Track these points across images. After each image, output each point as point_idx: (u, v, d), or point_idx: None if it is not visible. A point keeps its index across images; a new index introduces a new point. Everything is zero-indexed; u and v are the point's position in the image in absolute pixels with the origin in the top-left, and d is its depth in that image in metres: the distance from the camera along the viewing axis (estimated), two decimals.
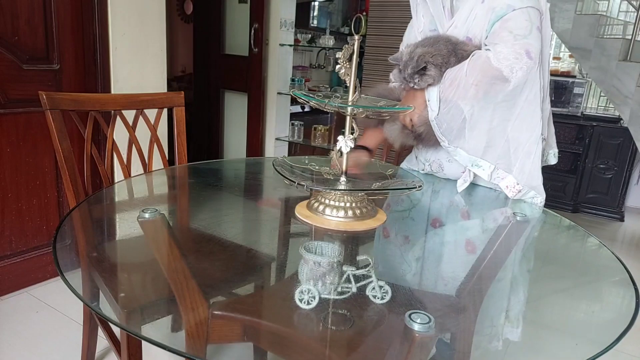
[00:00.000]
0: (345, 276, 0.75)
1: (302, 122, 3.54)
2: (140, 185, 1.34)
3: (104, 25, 2.09)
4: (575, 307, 0.90)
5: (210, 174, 1.56)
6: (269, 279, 0.89)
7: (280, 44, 3.37)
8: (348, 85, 1.00)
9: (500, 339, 0.76)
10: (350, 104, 0.99)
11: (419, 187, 1.06)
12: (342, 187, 1.03)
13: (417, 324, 0.64)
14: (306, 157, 1.27)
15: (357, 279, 0.75)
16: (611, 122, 3.69)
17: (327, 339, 0.69)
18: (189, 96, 3.05)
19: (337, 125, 3.79)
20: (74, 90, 2.03)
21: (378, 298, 0.74)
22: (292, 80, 3.55)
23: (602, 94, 3.98)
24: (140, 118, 1.49)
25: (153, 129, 1.52)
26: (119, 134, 1.44)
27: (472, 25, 1.22)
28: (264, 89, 3.44)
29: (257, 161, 1.98)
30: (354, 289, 0.75)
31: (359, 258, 0.86)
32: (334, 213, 1.02)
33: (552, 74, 3.95)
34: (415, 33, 1.37)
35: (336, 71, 1.00)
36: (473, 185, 1.35)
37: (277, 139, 3.56)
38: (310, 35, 4.13)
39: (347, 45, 0.97)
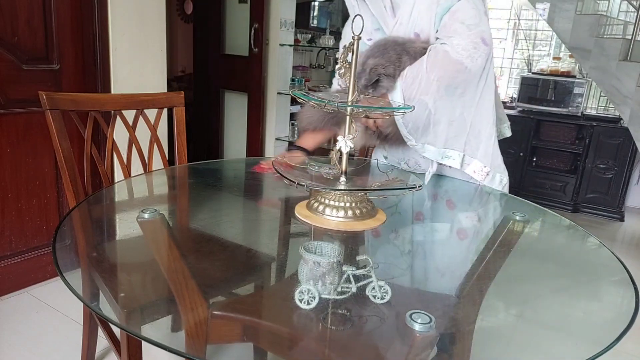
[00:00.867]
0: (345, 276, 0.75)
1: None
2: (140, 185, 1.34)
3: (104, 25, 2.09)
4: (575, 306, 0.90)
5: (210, 174, 1.56)
6: (268, 279, 0.89)
7: (280, 44, 3.37)
8: (348, 85, 1.00)
9: (501, 338, 0.76)
10: (350, 104, 0.99)
11: (418, 187, 1.06)
12: (342, 187, 1.03)
13: (418, 324, 0.64)
14: (306, 157, 1.27)
15: (357, 279, 0.75)
16: (611, 122, 3.69)
17: (327, 339, 0.69)
18: (189, 96, 3.05)
19: None
20: (74, 91, 2.03)
21: (378, 298, 0.74)
22: (292, 80, 3.55)
23: (602, 94, 3.98)
24: (140, 118, 1.49)
25: (153, 129, 1.52)
26: (119, 134, 1.44)
27: (418, 21, 1.22)
28: (264, 89, 3.44)
29: (257, 161, 1.98)
30: (354, 289, 0.75)
31: (358, 258, 0.86)
32: (333, 213, 1.02)
33: (552, 74, 3.95)
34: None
35: (336, 71, 1.00)
36: (452, 179, 1.38)
37: (277, 139, 3.56)
38: (310, 35, 4.12)
39: (346, 45, 0.97)
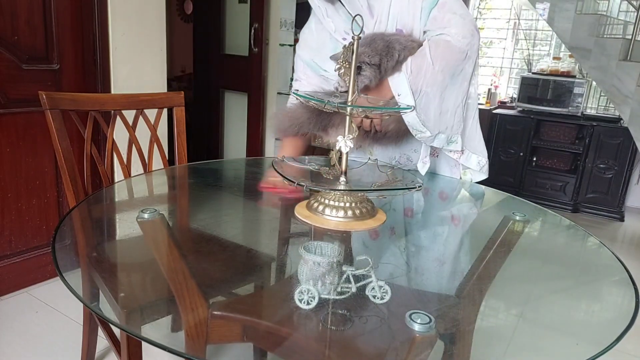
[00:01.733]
0: (345, 276, 0.75)
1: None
2: (140, 185, 1.34)
3: (104, 25, 2.09)
4: (575, 306, 0.90)
5: (210, 174, 1.56)
6: (268, 279, 0.89)
7: (280, 44, 3.37)
8: (347, 85, 1.00)
9: (501, 338, 0.76)
10: (350, 104, 0.99)
11: (418, 187, 1.06)
12: (341, 187, 1.03)
13: (418, 324, 0.64)
14: (306, 157, 1.26)
15: (357, 279, 0.75)
16: (611, 122, 3.69)
17: (327, 339, 0.69)
18: (189, 96, 3.05)
19: None
20: (74, 90, 2.03)
21: (378, 298, 0.74)
22: (292, 80, 3.55)
23: (602, 94, 3.98)
24: (140, 118, 1.49)
25: (153, 129, 1.52)
26: (119, 134, 1.44)
27: (399, 17, 1.23)
28: (264, 89, 3.44)
29: (257, 161, 1.98)
30: (354, 289, 0.74)
31: (358, 258, 0.85)
32: (333, 213, 1.02)
33: (552, 74, 3.95)
34: (322, 36, 1.33)
35: (335, 71, 1.00)
36: (442, 177, 1.39)
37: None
38: None
39: (346, 45, 0.97)
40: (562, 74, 3.93)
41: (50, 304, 1.96)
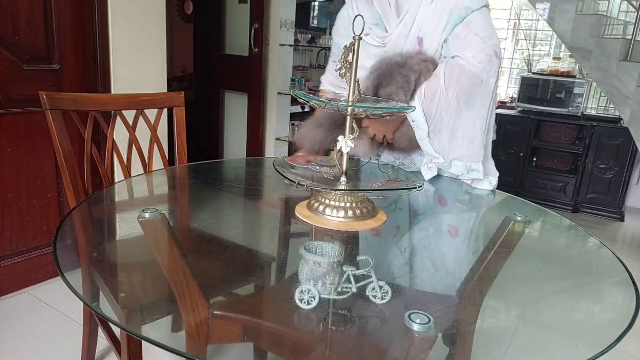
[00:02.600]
0: (345, 276, 0.75)
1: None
2: (140, 185, 1.34)
3: (104, 25, 2.09)
4: (575, 307, 0.90)
5: (211, 174, 1.56)
6: (269, 279, 0.89)
7: (280, 44, 3.37)
8: (348, 85, 1.00)
9: (501, 339, 0.76)
10: (350, 104, 0.99)
11: (419, 187, 1.06)
12: (342, 187, 1.03)
13: (417, 324, 0.64)
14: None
15: (357, 279, 0.75)
16: (611, 122, 3.69)
17: (327, 339, 0.69)
18: (189, 96, 3.05)
19: None
20: (74, 90, 2.03)
21: (378, 298, 0.74)
22: (292, 80, 3.55)
23: (602, 94, 3.98)
24: (140, 118, 1.49)
25: (153, 129, 1.52)
26: (119, 134, 1.44)
27: (424, 25, 1.21)
28: (264, 89, 3.44)
29: (257, 161, 1.98)
30: (354, 289, 0.75)
31: (359, 258, 0.86)
32: (334, 213, 1.02)
33: (552, 74, 3.95)
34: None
35: (336, 71, 1.00)
36: (443, 177, 1.39)
37: (277, 139, 3.56)
38: (310, 35, 4.12)
39: (347, 45, 0.97)
40: (562, 74, 3.93)
41: (50, 304, 1.96)
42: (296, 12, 3.51)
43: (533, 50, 4.43)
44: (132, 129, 1.47)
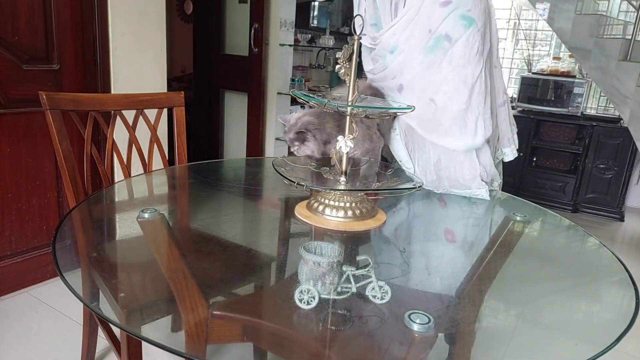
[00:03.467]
0: (345, 276, 0.75)
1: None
2: (140, 185, 1.34)
3: (104, 25, 2.09)
4: (575, 307, 0.90)
5: (210, 174, 1.56)
6: (268, 279, 0.89)
7: (280, 44, 3.37)
8: (348, 85, 1.00)
9: (501, 339, 0.76)
10: (350, 104, 0.99)
11: (418, 187, 1.06)
12: (341, 187, 1.03)
13: (417, 324, 0.64)
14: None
15: (357, 279, 0.75)
16: (611, 122, 3.69)
17: (327, 339, 0.69)
18: (189, 96, 3.05)
19: None
20: (74, 90, 2.03)
21: (378, 298, 0.74)
22: (292, 80, 3.55)
23: (602, 94, 3.98)
24: (140, 118, 1.49)
25: (153, 129, 1.52)
26: (119, 134, 1.44)
27: (405, 42, 1.23)
28: (264, 89, 3.44)
29: (257, 161, 1.98)
30: (354, 289, 0.75)
31: (358, 258, 0.86)
32: (333, 213, 1.02)
33: (552, 74, 3.95)
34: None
35: (336, 71, 1.00)
36: None
37: (277, 138, 3.55)
38: (310, 35, 4.12)
39: (347, 45, 0.97)
40: (562, 74, 3.93)
41: (50, 304, 1.96)
42: (296, 12, 3.51)
43: (533, 50, 4.42)
44: (132, 129, 1.47)
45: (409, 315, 0.65)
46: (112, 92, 2.14)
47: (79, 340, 1.51)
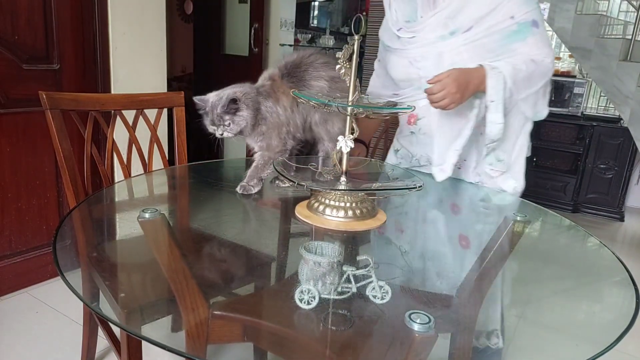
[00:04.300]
0: (345, 276, 0.75)
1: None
2: (140, 185, 1.34)
3: (104, 25, 2.09)
4: (575, 307, 0.89)
5: (211, 174, 1.56)
6: (269, 279, 0.89)
7: (280, 44, 3.37)
8: (348, 85, 1.00)
9: (501, 339, 0.76)
10: (350, 104, 0.99)
11: (419, 187, 1.06)
12: (342, 187, 1.03)
13: (417, 324, 0.64)
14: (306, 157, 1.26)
15: (357, 279, 0.75)
16: (611, 122, 3.69)
17: (327, 339, 0.69)
18: (189, 96, 3.04)
19: None
20: (74, 90, 2.03)
21: (378, 298, 0.74)
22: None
23: (602, 94, 3.98)
24: (140, 118, 1.49)
25: (153, 129, 1.52)
26: (119, 134, 1.44)
27: (463, 20, 1.21)
28: None
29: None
30: (354, 289, 0.74)
31: (359, 258, 0.85)
32: (334, 213, 1.02)
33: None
34: (389, 27, 1.36)
35: (336, 71, 1.00)
36: (454, 179, 1.38)
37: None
38: (310, 35, 4.13)
39: (347, 45, 0.97)
40: (562, 74, 3.93)
41: (50, 304, 1.96)
42: (296, 12, 3.51)
43: None
44: (132, 129, 1.47)
45: (410, 315, 0.65)
46: (112, 92, 2.14)
47: (79, 340, 1.51)
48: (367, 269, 0.74)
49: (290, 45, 3.47)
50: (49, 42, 1.95)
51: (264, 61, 3.37)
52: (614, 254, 1.01)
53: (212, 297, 0.80)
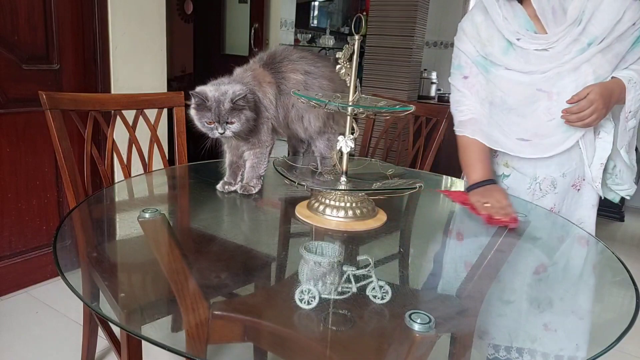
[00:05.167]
0: (345, 276, 0.75)
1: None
2: (140, 185, 1.34)
3: (104, 25, 2.09)
4: (575, 307, 0.89)
5: (211, 173, 1.56)
6: (269, 279, 0.89)
7: (280, 44, 3.37)
8: (348, 85, 1.00)
9: (501, 338, 0.76)
10: (350, 104, 0.99)
11: (419, 187, 1.06)
12: (342, 187, 1.03)
13: (417, 324, 0.64)
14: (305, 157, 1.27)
15: (357, 279, 0.75)
16: None
17: (328, 339, 0.69)
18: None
19: None
20: (74, 90, 2.03)
21: (378, 298, 0.74)
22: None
23: None
24: (140, 118, 1.49)
25: (153, 129, 1.52)
26: (119, 134, 1.44)
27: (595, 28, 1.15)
28: None
29: None
30: (354, 289, 0.74)
31: (359, 258, 0.85)
32: (334, 213, 1.02)
33: None
34: (490, 32, 1.24)
35: (336, 71, 1.00)
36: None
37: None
38: (310, 35, 4.13)
39: (347, 45, 0.97)
40: None
41: (50, 304, 1.96)
42: (296, 12, 3.51)
43: None
44: (132, 129, 1.47)
45: (410, 315, 0.65)
46: (112, 91, 2.14)
47: (79, 340, 1.51)
48: (367, 269, 0.74)
49: (290, 45, 3.48)
50: (49, 41, 1.95)
51: None
52: (613, 254, 1.02)
53: (212, 297, 0.80)
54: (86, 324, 1.44)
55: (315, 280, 0.73)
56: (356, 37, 0.96)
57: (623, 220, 3.72)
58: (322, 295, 0.72)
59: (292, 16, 3.46)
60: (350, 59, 0.97)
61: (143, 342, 0.91)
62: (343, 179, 1.05)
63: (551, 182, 1.27)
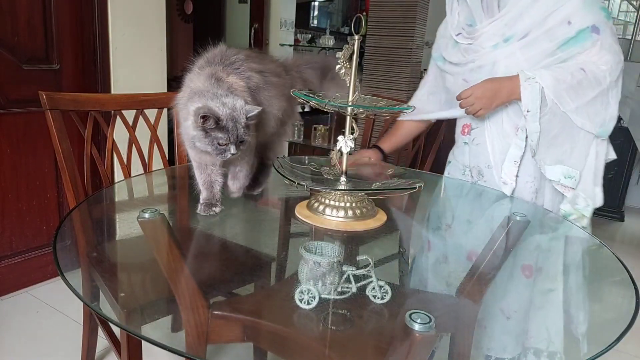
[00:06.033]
0: (345, 276, 0.75)
1: (302, 122, 3.54)
2: (140, 185, 1.34)
3: (104, 25, 2.09)
4: (575, 307, 0.89)
5: None
6: (269, 279, 0.89)
7: (280, 44, 3.38)
8: (348, 85, 1.00)
9: (501, 338, 0.76)
10: (350, 104, 0.99)
11: (418, 187, 1.06)
12: (342, 187, 1.03)
13: (418, 324, 0.64)
14: (306, 157, 1.27)
15: (357, 279, 0.75)
16: None
17: (327, 339, 0.69)
18: None
19: (337, 125, 3.80)
20: (74, 91, 2.03)
21: (378, 298, 0.74)
22: None
23: None
24: (140, 118, 1.49)
25: (153, 128, 1.52)
26: (119, 134, 1.44)
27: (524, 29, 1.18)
28: None
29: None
30: (354, 289, 0.75)
31: (359, 258, 0.85)
32: (334, 213, 1.02)
33: None
34: (449, 30, 1.33)
35: (336, 71, 1.00)
36: (449, 178, 1.38)
37: None
38: (310, 35, 4.13)
39: (347, 45, 0.97)
40: None
41: (50, 304, 1.96)
42: (296, 12, 3.51)
43: None
44: (132, 129, 1.47)
45: (410, 315, 0.65)
46: (112, 92, 2.14)
47: (79, 340, 1.51)
48: (367, 269, 0.74)
49: (290, 45, 3.48)
50: (49, 42, 1.95)
51: None
52: (613, 254, 1.02)
53: (212, 297, 0.80)
54: (86, 324, 1.44)
55: (315, 280, 0.73)
56: (356, 37, 0.96)
57: (623, 220, 3.72)
58: (322, 295, 0.72)
59: (292, 16, 3.46)
60: (350, 59, 0.97)
61: (143, 342, 0.91)
62: (343, 179, 1.05)
63: (478, 172, 1.35)
